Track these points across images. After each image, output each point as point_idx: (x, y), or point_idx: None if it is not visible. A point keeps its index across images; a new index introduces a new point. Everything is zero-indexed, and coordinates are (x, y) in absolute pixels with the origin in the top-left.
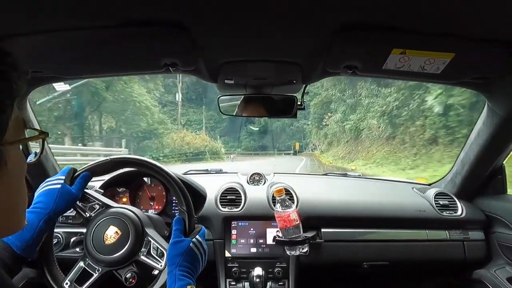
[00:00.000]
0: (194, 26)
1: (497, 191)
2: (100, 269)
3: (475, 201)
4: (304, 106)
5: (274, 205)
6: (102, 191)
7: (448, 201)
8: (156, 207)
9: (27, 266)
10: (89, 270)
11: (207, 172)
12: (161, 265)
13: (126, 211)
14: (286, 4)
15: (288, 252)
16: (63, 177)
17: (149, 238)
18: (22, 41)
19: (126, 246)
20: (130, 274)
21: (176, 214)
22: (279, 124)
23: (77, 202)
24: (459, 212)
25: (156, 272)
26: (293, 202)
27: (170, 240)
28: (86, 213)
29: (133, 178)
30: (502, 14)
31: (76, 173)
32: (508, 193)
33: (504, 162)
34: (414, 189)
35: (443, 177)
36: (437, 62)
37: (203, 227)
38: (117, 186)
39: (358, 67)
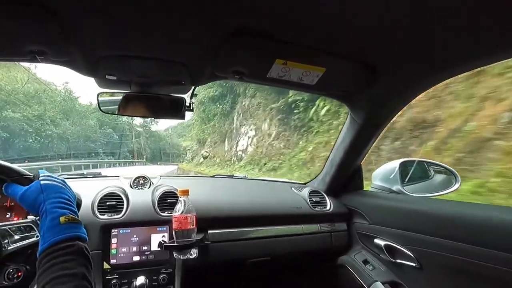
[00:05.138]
0: (61, 10)
1: (356, 188)
2: None
3: (340, 197)
4: (192, 107)
5: (161, 209)
6: None
7: (320, 198)
8: (15, 218)
9: None
10: None
11: (83, 176)
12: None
13: None
14: (171, 3)
15: (176, 256)
16: None
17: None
18: None
19: None
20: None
21: None
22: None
23: None
24: (328, 207)
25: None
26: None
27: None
28: None
29: None
30: (364, 39)
31: None
32: (364, 189)
33: (361, 163)
34: (292, 188)
35: (316, 177)
36: (312, 75)
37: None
38: None
39: (245, 73)
